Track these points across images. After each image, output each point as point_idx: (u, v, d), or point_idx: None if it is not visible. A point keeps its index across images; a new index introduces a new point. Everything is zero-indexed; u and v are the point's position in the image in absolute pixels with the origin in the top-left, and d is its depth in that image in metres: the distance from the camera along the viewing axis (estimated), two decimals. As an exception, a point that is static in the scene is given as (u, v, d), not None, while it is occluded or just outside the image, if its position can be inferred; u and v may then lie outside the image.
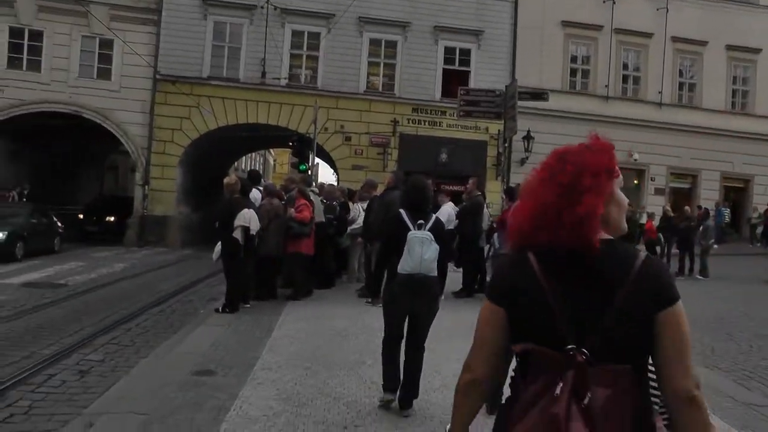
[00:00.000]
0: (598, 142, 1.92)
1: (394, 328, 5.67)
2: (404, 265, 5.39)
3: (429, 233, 5.44)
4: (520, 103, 16.38)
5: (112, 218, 24.85)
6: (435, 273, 5.46)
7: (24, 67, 23.91)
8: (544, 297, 1.77)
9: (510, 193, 9.78)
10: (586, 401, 1.64)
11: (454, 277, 12.20)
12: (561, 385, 1.66)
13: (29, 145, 26.46)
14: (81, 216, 24.98)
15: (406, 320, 5.61)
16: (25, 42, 23.84)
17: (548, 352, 1.73)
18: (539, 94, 18.37)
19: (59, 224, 20.33)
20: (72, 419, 5.53)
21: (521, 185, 5.83)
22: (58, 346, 8.08)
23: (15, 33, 23.76)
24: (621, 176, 1.93)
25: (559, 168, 1.86)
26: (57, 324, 9.46)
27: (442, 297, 10.06)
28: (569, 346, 1.71)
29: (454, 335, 8.29)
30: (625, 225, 1.94)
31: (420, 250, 5.37)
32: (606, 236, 1.82)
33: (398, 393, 5.55)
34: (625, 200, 1.94)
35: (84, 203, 27.17)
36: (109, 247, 21.80)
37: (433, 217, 5.72)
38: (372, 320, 9.22)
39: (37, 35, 23.85)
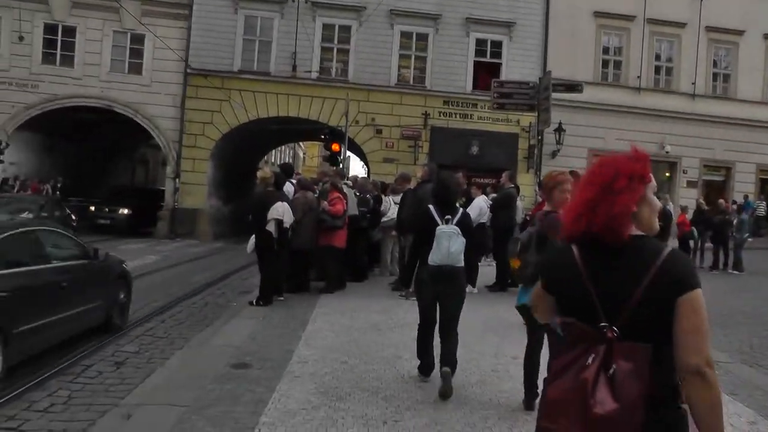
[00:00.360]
0: (635, 152, 2.21)
1: (426, 315, 6.04)
2: (433, 257, 5.77)
3: (456, 227, 5.81)
4: (552, 94, 16.15)
5: (126, 210, 24.48)
6: (462, 264, 5.82)
7: (57, 63, 24.27)
8: (582, 280, 2.11)
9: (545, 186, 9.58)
10: (611, 371, 1.97)
11: (488, 272, 12.12)
12: (593, 355, 2.01)
13: (63, 138, 26.90)
14: (92, 208, 24.87)
15: (438, 308, 5.93)
16: (59, 38, 24.19)
17: (585, 327, 2.08)
18: (573, 86, 18.06)
19: (73, 217, 20.23)
20: (109, 410, 5.53)
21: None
22: (94, 337, 8.08)
23: (49, 29, 24.13)
24: (654, 182, 2.22)
25: (600, 171, 2.17)
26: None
27: (475, 290, 10.16)
28: (602, 324, 2.04)
29: (489, 330, 8.23)
30: (657, 225, 2.23)
31: (447, 244, 5.74)
32: (638, 232, 2.15)
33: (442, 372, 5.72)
34: (658, 204, 2.24)
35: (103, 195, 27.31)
36: (141, 239, 21.95)
37: (460, 211, 6.12)
38: (406, 314, 9.13)
39: (70, 31, 24.21)
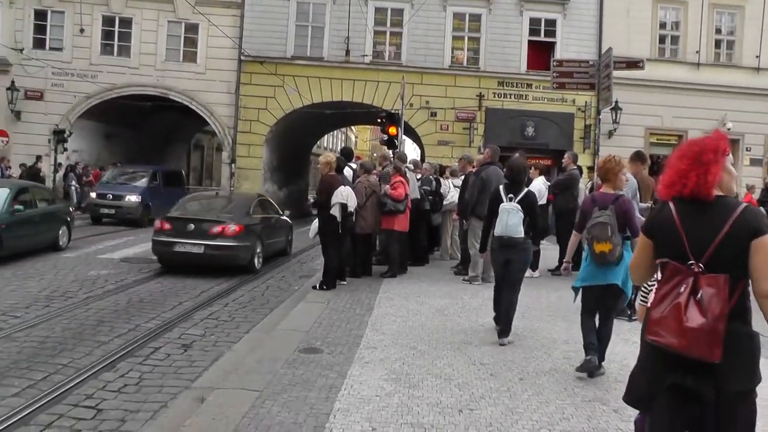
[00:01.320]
0: (716, 133, 2.94)
1: (497, 275, 7.26)
2: (497, 229, 6.97)
3: (516, 205, 6.85)
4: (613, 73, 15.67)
5: None
6: (519, 234, 6.79)
7: (115, 53, 24.83)
8: (676, 229, 2.77)
9: None
10: (698, 296, 2.63)
11: (549, 255, 11.85)
12: (684, 285, 2.67)
13: (121, 126, 27.50)
14: None
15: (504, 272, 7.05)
16: (116, 29, 24.75)
17: (678, 265, 2.75)
18: (634, 63, 17.45)
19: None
20: (181, 392, 5.55)
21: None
22: (160, 320, 8.20)
23: (107, 21, 24.73)
24: (731, 154, 2.88)
25: (690, 148, 2.84)
26: (157, 298, 9.62)
27: (537, 273, 10.98)
28: (690, 261, 2.70)
29: (557, 317, 8.00)
30: (735, 188, 2.95)
31: (506, 218, 6.83)
32: (720, 193, 2.81)
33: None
34: (734, 171, 2.96)
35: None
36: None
37: (525, 190, 7.11)
38: (471, 299, 9.01)
39: (126, 22, 24.72)
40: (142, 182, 21.68)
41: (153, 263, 12.87)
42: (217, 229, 11.72)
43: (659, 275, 2.99)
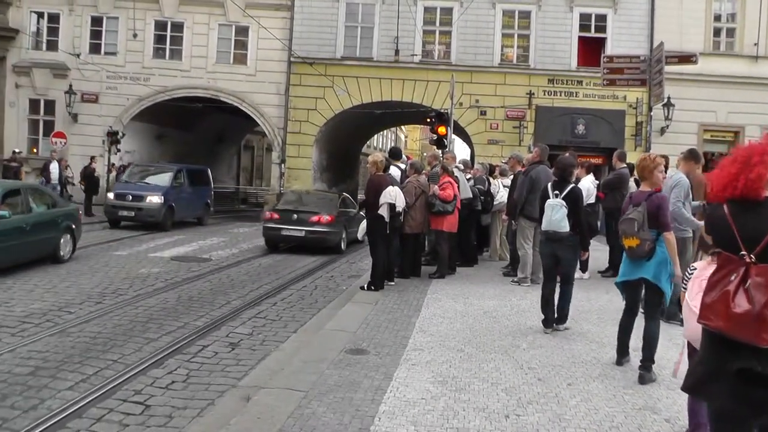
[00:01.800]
0: (765, 137, 3.04)
1: (546, 269, 7.48)
2: (543, 224, 7.41)
3: (561, 201, 7.17)
4: (665, 68, 15.25)
5: None
6: (564, 229, 7.10)
7: (167, 57, 25.45)
8: (729, 226, 2.91)
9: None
10: (747, 285, 2.75)
11: (599, 256, 11.55)
12: (735, 275, 2.80)
13: (172, 127, 28.06)
14: None
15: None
16: (168, 33, 25.33)
17: (730, 256, 2.89)
18: (687, 57, 17.00)
19: None
20: (227, 390, 5.58)
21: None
22: (208, 318, 8.26)
23: (159, 25, 25.34)
24: None
25: (740, 153, 2.98)
26: (205, 297, 9.70)
27: (586, 275, 11.17)
28: (742, 253, 2.82)
29: (607, 320, 7.78)
30: None
31: (550, 213, 7.18)
32: None
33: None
34: None
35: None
36: (249, 223, 22.48)
37: (570, 186, 7.34)
38: (520, 300, 8.86)
39: (178, 26, 25.26)
40: (165, 181, 19.95)
41: (203, 262, 13.06)
42: (315, 218, 15.31)
43: (698, 264, 3.53)
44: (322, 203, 16.36)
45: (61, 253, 12.02)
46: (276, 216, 15.59)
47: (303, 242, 15.24)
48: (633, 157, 21.41)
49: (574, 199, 7.18)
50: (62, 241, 12.09)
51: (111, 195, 19.44)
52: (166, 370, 6.13)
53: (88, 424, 4.84)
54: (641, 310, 6.07)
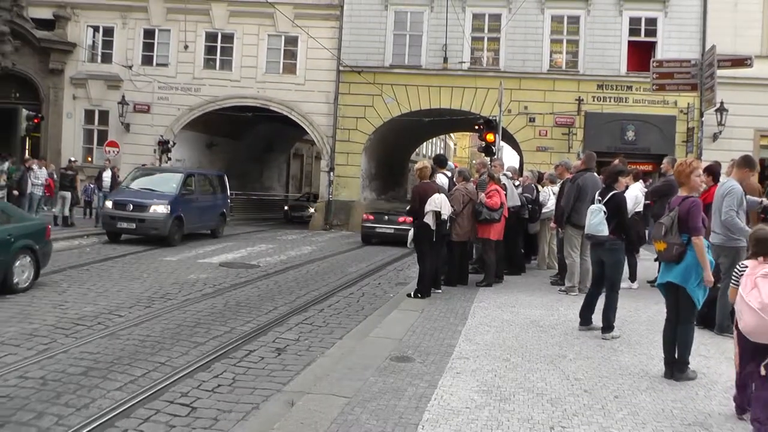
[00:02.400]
0: None
1: (594, 276, 7.73)
2: (585, 229, 7.64)
3: (600, 206, 7.30)
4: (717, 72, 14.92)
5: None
6: (602, 233, 7.20)
7: (217, 67, 26.01)
8: None
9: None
10: None
11: (650, 265, 11.25)
12: None
13: (222, 136, 28.59)
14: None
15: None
16: (218, 44, 25.91)
17: None
18: (741, 60, 16.60)
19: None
20: (272, 395, 5.61)
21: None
22: (255, 324, 8.33)
23: (210, 37, 25.93)
24: None
25: None
26: (253, 302, 9.79)
27: (635, 285, 10.81)
28: None
29: (656, 331, 7.47)
30: None
31: (589, 218, 7.35)
32: None
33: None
34: None
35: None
36: (296, 230, 22.68)
37: (612, 193, 7.43)
38: (568, 310, 8.70)
39: (228, 37, 25.80)
40: (173, 188, 17.37)
41: (251, 268, 13.20)
42: (401, 218, 18.39)
43: (748, 263, 3.63)
44: (406, 206, 18.41)
45: (15, 281, 9.62)
46: (371, 217, 20.07)
47: (392, 237, 18.77)
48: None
49: (615, 205, 7.26)
50: (17, 265, 9.69)
51: (109, 203, 16.87)
52: (212, 373, 6.20)
53: (136, 423, 4.93)
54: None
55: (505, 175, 11.65)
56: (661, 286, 5.97)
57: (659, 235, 5.71)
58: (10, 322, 7.79)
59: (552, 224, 11.45)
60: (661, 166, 11.70)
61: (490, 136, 17.49)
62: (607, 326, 7.25)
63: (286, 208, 30.40)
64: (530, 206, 12.13)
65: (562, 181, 11.37)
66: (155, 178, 18.37)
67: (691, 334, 5.77)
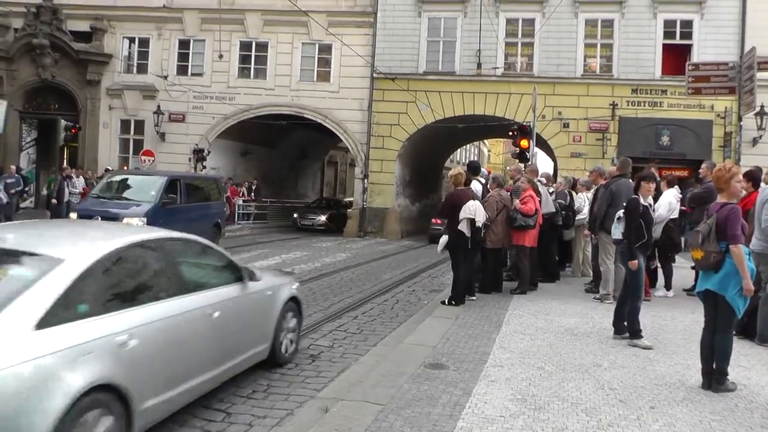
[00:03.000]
0: None
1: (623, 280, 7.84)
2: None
3: (622, 211, 7.67)
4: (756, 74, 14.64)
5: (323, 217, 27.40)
6: (615, 236, 7.79)
7: (252, 76, 26.32)
8: None
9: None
10: None
11: (687, 274, 11.10)
12: None
13: (256, 144, 28.94)
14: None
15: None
16: (253, 53, 26.24)
17: None
18: (782, 62, 16.26)
19: None
20: (307, 401, 5.64)
21: None
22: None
23: (244, 46, 26.25)
24: None
25: None
26: (288, 309, 9.83)
27: (671, 293, 10.67)
28: None
29: (690, 339, 7.40)
30: None
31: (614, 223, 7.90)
32: None
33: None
34: None
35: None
36: (331, 238, 22.80)
37: (629, 199, 7.67)
38: (602, 319, 8.61)
39: (262, 46, 26.13)
40: (151, 196, 14.69)
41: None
42: None
43: None
44: None
45: None
46: (439, 222, 20.73)
47: None
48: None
49: (629, 209, 7.48)
50: None
51: (73, 215, 14.71)
52: (247, 379, 6.24)
53: (171, 428, 4.99)
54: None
55: (539, 181, 11.59)
56: (699, 293, 5.87)
57: (696, 243, 5.62)
58: None
59: (586, 231, 11.35)
60: (699, 171, 11.48)
61: (524, 142, 17.41)
62: (633, 332, 7.29)
63: (295, 215, 27.83)
64: (564, 212, 12.05)
65: (596, 187, 11.27)
66: (133, 182, 15.79)
67: (730, 343, 5.68)
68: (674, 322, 8.62)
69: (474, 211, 9.28)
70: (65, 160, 25.91)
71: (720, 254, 5.51)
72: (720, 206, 5.69)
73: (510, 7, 24.24)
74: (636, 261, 7.22)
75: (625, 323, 7.44)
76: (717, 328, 5.71)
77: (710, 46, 22.51)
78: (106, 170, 22.15)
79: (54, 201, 18.68)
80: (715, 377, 5.68)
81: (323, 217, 26.86)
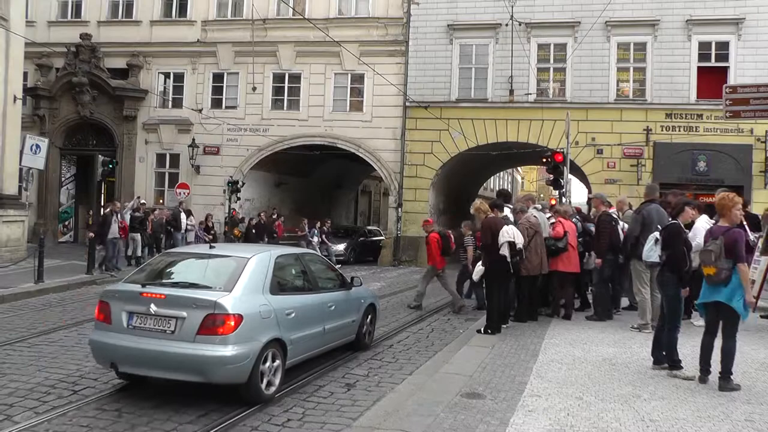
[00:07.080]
0: None
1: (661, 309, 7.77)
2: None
3: (656, 234, 8.13)
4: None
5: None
6: (650, 258, 8.30)
7: (285, 107, 26.52)
8: None
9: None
10: None
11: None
12: None
13: (290, 175, 29.13)
14: None
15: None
16: (286, 85, 26.47)
17: None
18: (825, 82, 15.90)
19: None
20: (342, 430, 5.64)
21: None
22: (324, 359, 8.31)
23: (278, 78, 26.54)
24: None
25: None
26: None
27: (701, 321, 9.59)
28: None
29: (735, 371, 6.83)
30: None
31: (645, 245, 8.47)
32: None
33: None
34: None
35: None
36: (365, 266, 22.78)
37: (670, 224, 7.79)
38: (641, 348, 8.46)
39: (295, 78, 26.36)
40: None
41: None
42: None
43: None
44: None
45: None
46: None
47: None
48: (762, 195, 20.21)
49: (669, 233, 7.54)
50: None
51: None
52: (282, 408, 6.28)
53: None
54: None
55: (535, 208, 11.68)
56: (701, 305, 6.77)
57: (710, 260, 6.44)
58: None
59: (597, 260, 10.89)
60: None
61: (557, 170, 17.29)
62: (672, 363, 7.25)
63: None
64: (580, 239, 11.61)
65: (597, 216, 11.18)
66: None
67: (734, 347, 6.51)
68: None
69: (513, 234, 9.29)
70: (103, 195, 26.38)
71: (729, 271, 6.36)
72: (726, 230, 6.54)
73: (541, 32, 24.14)
74: (687, 288, 7.49)
75: (664, 353, 7.29)
76: (725, 333, 6.54)
77: (749, 68, 22.02)
78: (137, 198, 22.37)
79: (91, 234, 18.17)
80: (723, 377, 6.50)
81: (340, 247, 25.60)
